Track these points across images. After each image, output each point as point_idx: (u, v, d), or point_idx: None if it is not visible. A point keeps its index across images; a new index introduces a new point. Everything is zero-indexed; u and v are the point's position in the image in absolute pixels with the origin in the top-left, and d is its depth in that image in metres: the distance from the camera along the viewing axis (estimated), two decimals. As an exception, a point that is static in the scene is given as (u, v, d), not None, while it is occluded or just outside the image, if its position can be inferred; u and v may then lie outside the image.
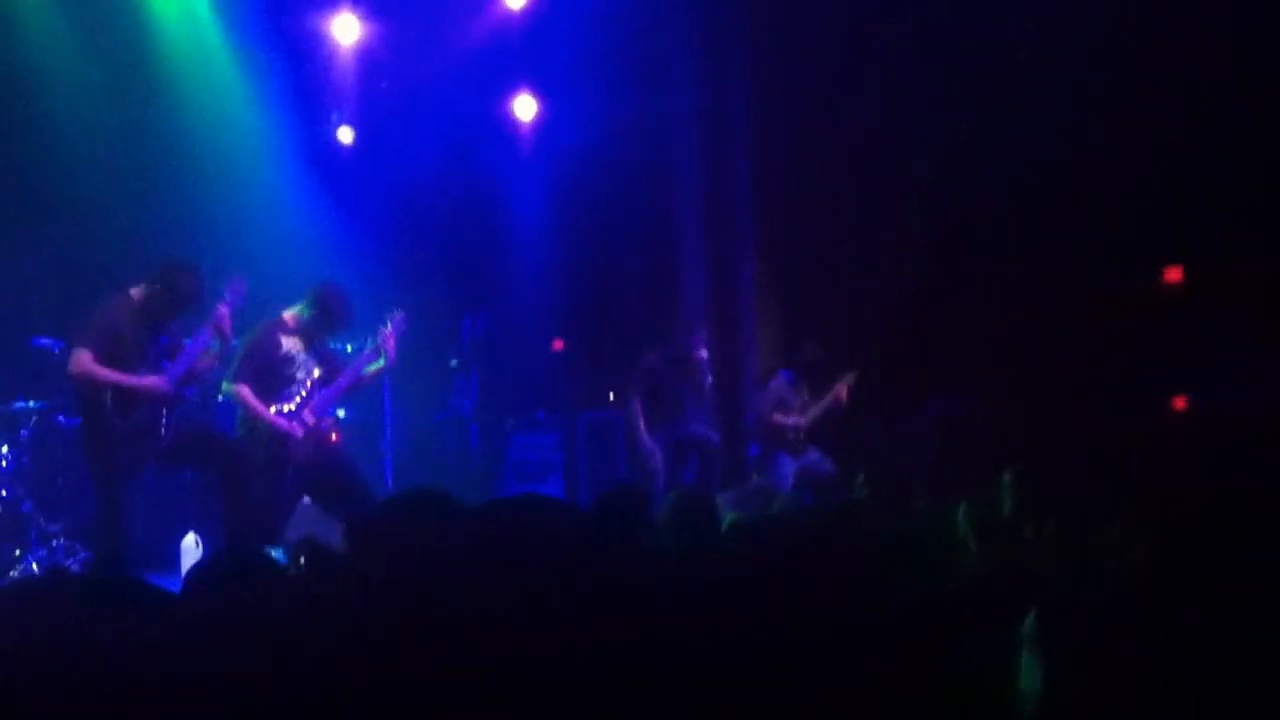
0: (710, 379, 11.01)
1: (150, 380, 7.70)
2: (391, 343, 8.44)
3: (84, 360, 7.66)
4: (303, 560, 3.65)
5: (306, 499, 8.82)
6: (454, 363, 12.19)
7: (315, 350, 8.44)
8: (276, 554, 3.48)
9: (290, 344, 8.30)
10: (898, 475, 10.79)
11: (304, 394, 8.27)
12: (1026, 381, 10.75)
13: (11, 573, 9.23)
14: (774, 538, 4.54)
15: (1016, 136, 10.79)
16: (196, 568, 2.98)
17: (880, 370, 11.29)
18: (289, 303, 8.54)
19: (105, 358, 7.67)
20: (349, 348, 9.79)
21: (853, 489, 10.07)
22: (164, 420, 7.78)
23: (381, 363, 8.57)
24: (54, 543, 9.57)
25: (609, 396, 12.17)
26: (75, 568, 9.09)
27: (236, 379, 8.19)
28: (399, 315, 8.53)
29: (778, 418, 11.04)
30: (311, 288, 8.48)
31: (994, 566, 4.48)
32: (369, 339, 8.71)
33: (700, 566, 4.25)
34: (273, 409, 8.19)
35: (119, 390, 7.65)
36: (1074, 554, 4.39)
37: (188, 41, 11.92)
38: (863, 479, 9.77)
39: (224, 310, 7.84)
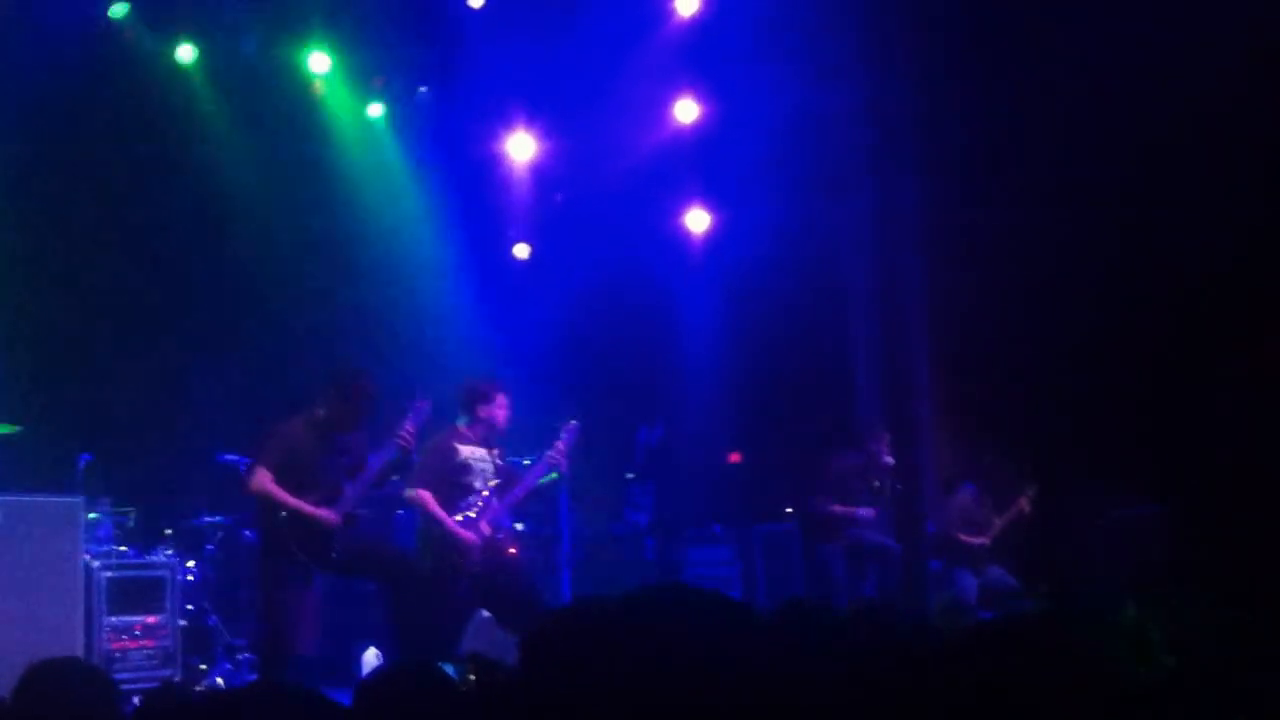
0: (895, 485, 10.89)
1: (322, 512, 7.78)
2: (564, 452, 8.47)
3: (263, 480, 7.80)
4: (472, 676, 3.63)
5: (484, 611, 8.83)
6: (629, 475, 12.17)
7: (492, 461, 8.49)
8: (449, 669, 3.46)
9: (467, 452, 8.36)
10: (1084, 584, 10.58)
11: (481, 504, 8.31)
12: (1214, 486, 10.41)
13: (198, 687, 9.37)
14: (962, 655, 4.40)
15: (1193, 234, 10.56)
16: (367, 681, 2.98)
17: (1062, 475, 11.06)
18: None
19: (284, 476, 7.80)
20: (526, 461, 9.83)
21: (1035, 599, 9.89)
22: (335, 542, 7.86)
23: (556, 475, 8.61)
24: (239, 656, 9.71)
25: (785, 509, 12.06)
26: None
27: (416, 485, 8.26)
28: (572, 424, 8.56)
29: (964, 536, 10.85)
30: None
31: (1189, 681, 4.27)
32: (543, 450, 8.74)
33: (885, 682, 4.14)
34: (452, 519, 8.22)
35: (293, 511, 7.75)
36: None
37: (369, 164, 12.26)
38: (1044, 590, 9.57)
39: (409, 427, 7.92)
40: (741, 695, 2.94)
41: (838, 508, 10.66)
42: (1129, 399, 11.17)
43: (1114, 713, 3.29)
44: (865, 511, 10.59)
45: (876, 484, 10.80)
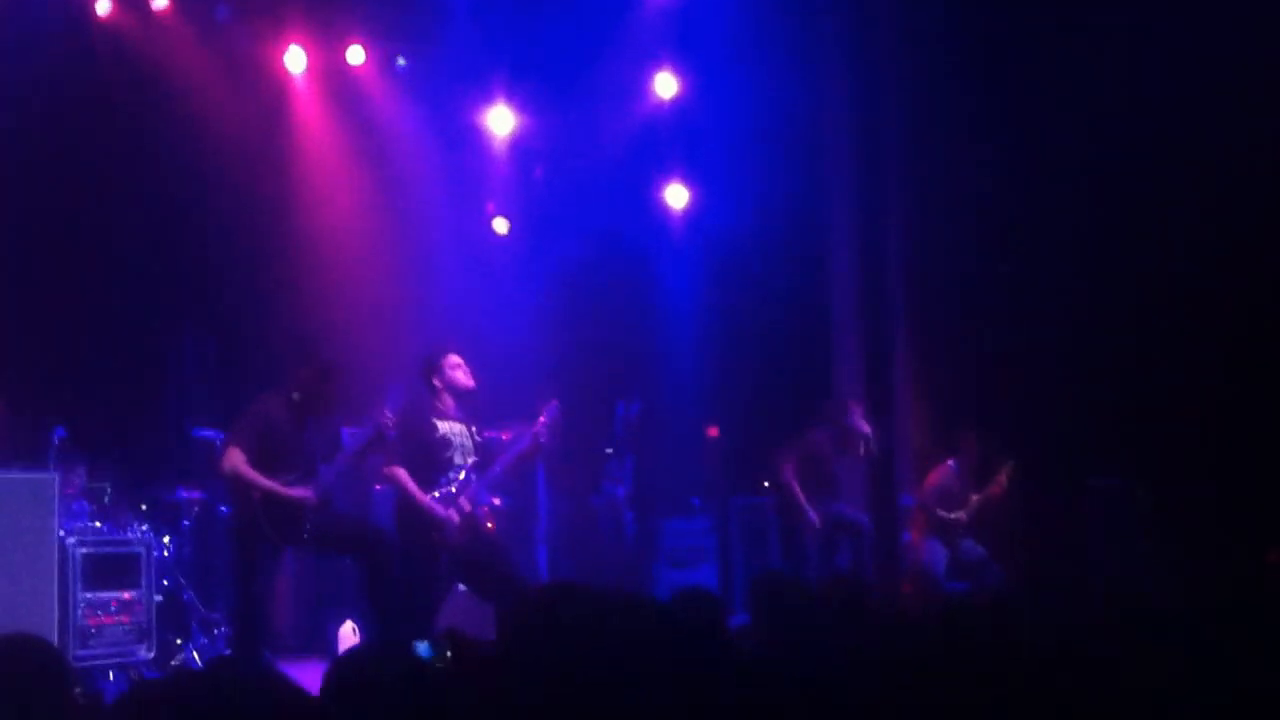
0: (872, 453, 10.90)
1: (297, 492, 7.73)
2: (545, 430, 8.38)
3: (236, 459, 7.72)
4: (449, 654, 3.60)
5: (461, 586, 8.80)
6: (608, 450, 12.15)
7: (470, 436, 8.41)
8: (422, 648, 3.43)
9: (445, 428, 8.27)
10: (1056, 557, 10.65)
11: (460, 480, 8.23)
12: (1189, 459, 10.45)
13: (173, 661, 9.36)
14: (933, 629, 4.40)
15: (1184, 205, 10.57)
16: (337, 664, 2.95)
17: (1037, 448, 11.10)
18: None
19: (258, 456, 7.72)
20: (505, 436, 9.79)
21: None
22: (307, 523, 7.80)
23: (536, 449, 8.51)
24: (215, 631, 9.69)
25: (762, 482, 12.07)
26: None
27: (393, 462, 8.18)
28: (554, 403, 8.48)
29: (942, 512, 10.89)
30: None
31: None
32: (523, 425, 8.66)
33: (857, 658, 4.14)
34: (431, 495, 8.14)
35: (266, 492, 7.69)
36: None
37: (344, 136, 12.19)
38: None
39: (387, 411, 7.87)
40: (717, 679, 2.93)
41: (795, 483, 10.64)
42: (1105, 375, 11.19)
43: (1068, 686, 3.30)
44: (812, 515, 10.58)
45: (862, 450, 10.82)
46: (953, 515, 10.91)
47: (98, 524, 9.34)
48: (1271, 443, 9.98)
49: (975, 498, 10.98)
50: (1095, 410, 11.10)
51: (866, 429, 10.83)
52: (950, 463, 11.11)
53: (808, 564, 10.41)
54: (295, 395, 7.93)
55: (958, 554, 10.84)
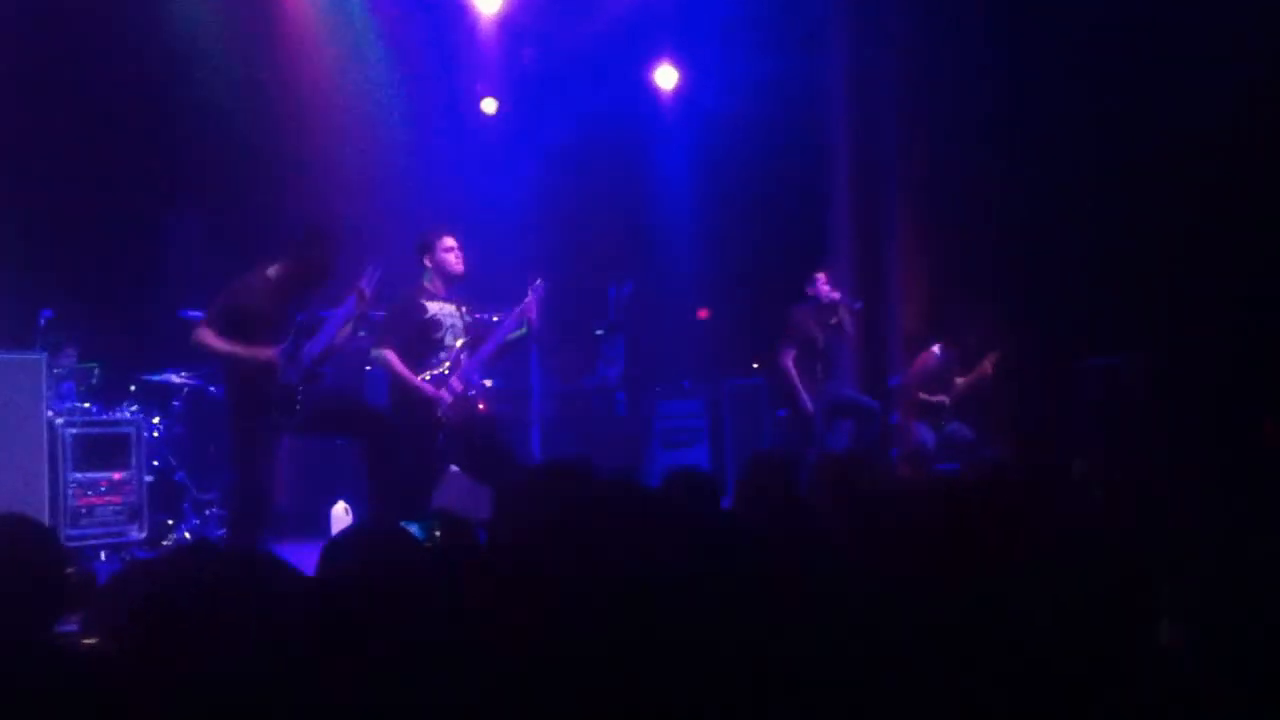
0: (852, 317, 10.84)
1: (265, 352, 7.53)
2: (534, 310, 8.31)
3: (203, 333, 7.55)
4: (438, 533, 3.59)
5: (455, 468, 8.79)
6: (599, 331, 12.13)
7: (460, 317, 8.33)
8: (414, 528, 3.40)
9: (435, 308, 8.19)
10: (1050, 436, 10.69)
11: (451, 361, 8.18)
12: (1186, 338, 10.46)
13: (164, 541, 9.38)
14: (929, 505, 4.39)
15: (1175, 90, 10.49)
16: (331, 543, 2.92)
17: (1027, 331, 11.12)
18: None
19: (236, 332, 7.54)
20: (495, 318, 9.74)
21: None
22: (299, 396, 7.67)
23: (525, 330, 8.44)
24: (207, 512, 9.71)
25: (753, 364, 12.09)
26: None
27: (382, 344, 8.09)
28: (539, 282, 8.40)
29: (924, 395, 10.94)
30: None
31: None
32: (512, 306, 8.58)
33: (857, 531, 4.14)
34: (422, 376, 8.08)
35: (255, 362, 7.53)
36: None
37: (333, 14, 12.02)
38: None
39: (365, 284, 7.73)
40: (711, 557, 2.92)
41: (792, 369, 10.61)
42: (1099, 253, 11.18)
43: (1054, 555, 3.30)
44: (807, 401, 10.55)
45: (834, 320, 10.76)
46: (935, 398, 10.97)
47: (87, 404, 9.34)
48: (1265, 316, 9.99)
49: (960, 381, 11.05)
50: (1088, 290, 11.11)
51: (835, 295, 10.77)
52: (936, 348, 11.14)
53: (808, 448, 10.43)
54: (278, 268, 7.75)
55: (946, 437, 10.90)
